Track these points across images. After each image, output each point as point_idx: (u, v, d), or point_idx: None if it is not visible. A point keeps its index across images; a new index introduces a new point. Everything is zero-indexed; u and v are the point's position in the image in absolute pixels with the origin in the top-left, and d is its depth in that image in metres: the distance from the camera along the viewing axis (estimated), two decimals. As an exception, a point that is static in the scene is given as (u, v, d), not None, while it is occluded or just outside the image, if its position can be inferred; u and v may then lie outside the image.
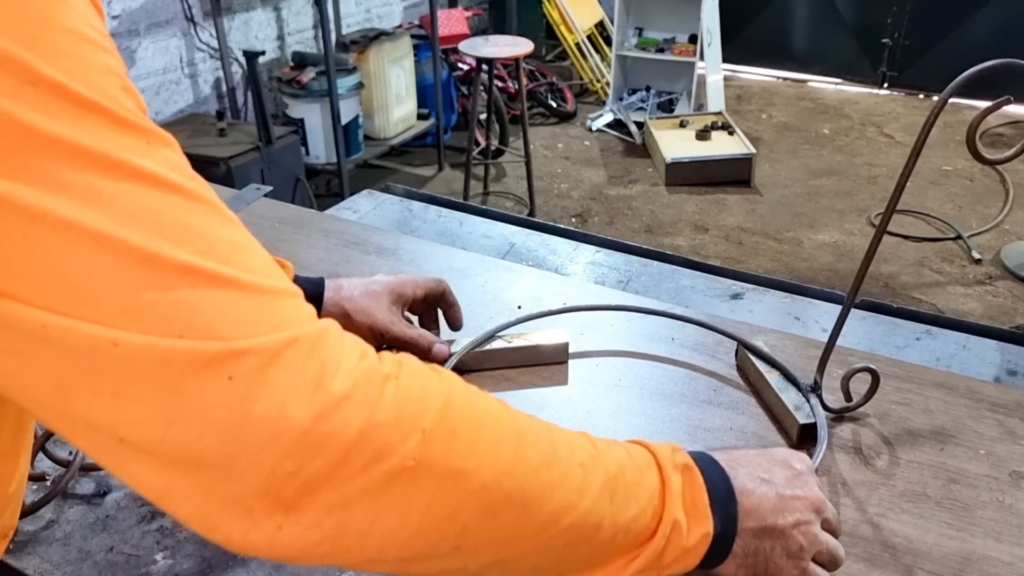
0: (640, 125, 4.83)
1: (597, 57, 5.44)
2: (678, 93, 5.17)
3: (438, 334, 0.95)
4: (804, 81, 5.86)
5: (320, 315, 0.62)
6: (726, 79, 5.30)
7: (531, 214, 3.91)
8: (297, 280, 0.82)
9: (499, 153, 4.37)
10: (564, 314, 0.99)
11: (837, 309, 0.83)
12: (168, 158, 0.40)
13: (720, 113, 4.72)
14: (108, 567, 0.69)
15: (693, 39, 4.90)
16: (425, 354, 0.87)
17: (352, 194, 1.52)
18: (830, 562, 0.61)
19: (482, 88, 3.79)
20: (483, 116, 4.06)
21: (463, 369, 0.91)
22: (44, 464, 0.79)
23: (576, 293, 1.08)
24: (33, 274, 0.36)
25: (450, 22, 4.63)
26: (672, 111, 5.06)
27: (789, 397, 0.84)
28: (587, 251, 1.31)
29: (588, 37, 5.42)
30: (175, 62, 3.61)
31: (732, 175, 4.27)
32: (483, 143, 4.17)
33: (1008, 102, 0.65)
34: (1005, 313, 3.21)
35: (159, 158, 0.40)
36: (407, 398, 0.44)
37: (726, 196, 4.17)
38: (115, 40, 0.41)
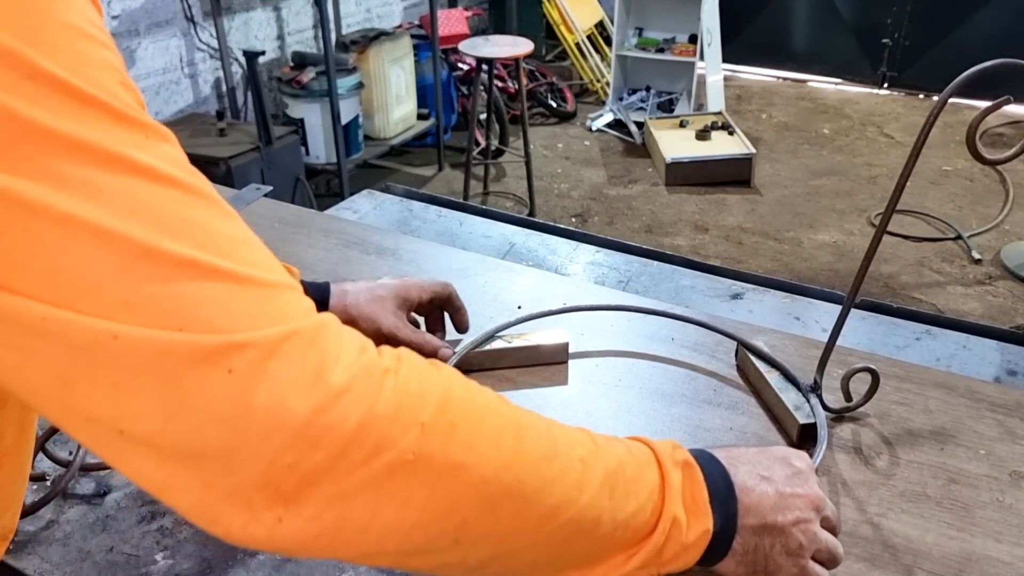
0: (640, 125, 4.83)
1: (597, 57, 5.44)
2: (678, 93, 5.17)
3: (444, 335, 0.95)
4: (804, 81, 5.86)
5: None
6: (726, 79, 5.30)
7: (531, 214, 3.91)
8: (303, 286, 0.83)
9: (499, 153, 4.37)
10: (564, 314, 0.99)
11: (837, 309, 0.83)
12: (167, 153, 0.40)
13: (720, 113, 4.72)
14: (108, 567, 0.69)
15: (693, 39, 4.90)
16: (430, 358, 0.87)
17: (352, 194, 1.52)
18: (829, 560, 0.62)
19: (482, 88, 3.79)
20: (483, 116, 4.06)
21: (463, 369, 0.91)
22: (44, 464, 0.79)
23: (576, 293, 1.08)
24: (34, 267, 0.36)
25: (450, 22, 4.63)
26: (672, 111, 5.06)
27: (789, 397, 0.84)
28: (587, 251, 1.31)
29: (588, 37, 5.42)
30: (175, 62, 3.61)
31: (732, 175, 4.26)
32: (483, 143, 4.17)
33: (1008, 102, 0.65)
34: (1005, 313, 3.21)
35: (158, 152, 0.40)
36: (406, 392, 0.44)
37: (726, 196, 4.17)
38: (115, 40, 0.42)
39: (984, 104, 0.66)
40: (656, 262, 1.27)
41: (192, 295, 0.38)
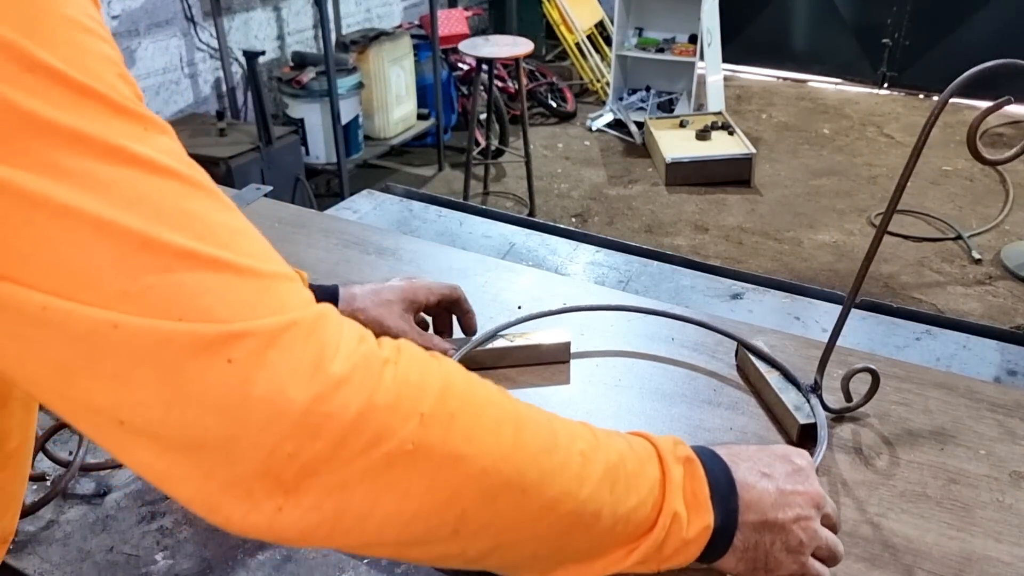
0: (640, 125, 4.83)
1: (597, 57, 5.44)
2: (678, 93, 5.17)
3: (451, 337, 0.96)
4: (804, 81, 5.86)
5: None
6: (726, 79, 5.30)
7: (531, 214, 3.91)
8: (312, 289, 0.83)
9: (499, 153, 4.37)
10: (564, 314, 0.99)
11: (837, 309, 0.83)
12: (165, 145, 0.41)
13: (720, 113, 4.72)
14: (108, 567, 0.69)
15: (693, 39, 4.90)
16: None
17: (352, 194, 1.52)
18: (829, 557, 0.62)
19: (482, 88, 3.79)
20: (483, 116, 4.06)
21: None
22: (44, 464, 0.79)
23: (576, 293, 1.08)
24: (34, 258, 0.36)
25: (450, 22, 4.63)
26: (672, 111, 5.06)
27: (789, 397, 0.84)
28: (587, 251, 1.31)
29: (588, 37, 5.42)
30: (175, 62, 3.61)
31: (732, 175, 4.27)
32: (483, 143, 4.17)
33: (1008, 102, 0.65)
34: (1005, 313, 3.21)
35: (156, 144, 0.40)
36: (406, 382, 0.44)
37: (726, 196, 4.17)
38: (115, 40, 0.42)
39: (984, 104, 0.66)
40: (656, 262, 1.27)
41: (191, 285, 0.38)
